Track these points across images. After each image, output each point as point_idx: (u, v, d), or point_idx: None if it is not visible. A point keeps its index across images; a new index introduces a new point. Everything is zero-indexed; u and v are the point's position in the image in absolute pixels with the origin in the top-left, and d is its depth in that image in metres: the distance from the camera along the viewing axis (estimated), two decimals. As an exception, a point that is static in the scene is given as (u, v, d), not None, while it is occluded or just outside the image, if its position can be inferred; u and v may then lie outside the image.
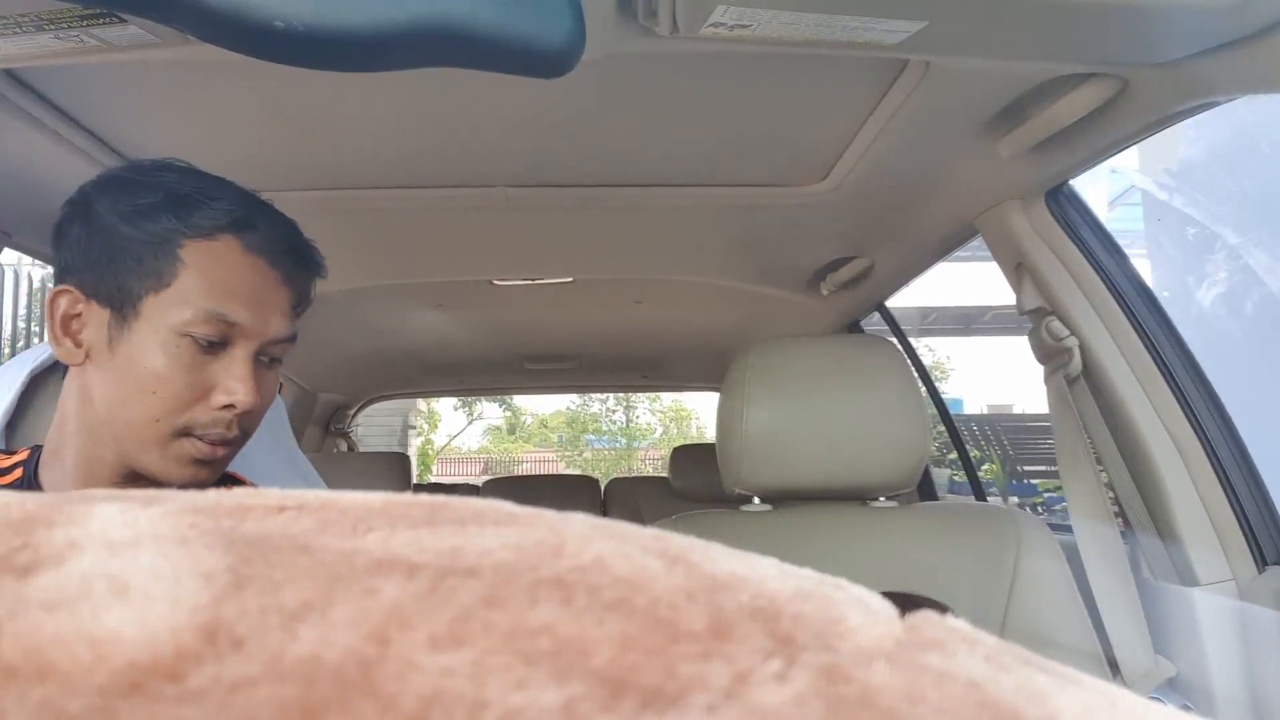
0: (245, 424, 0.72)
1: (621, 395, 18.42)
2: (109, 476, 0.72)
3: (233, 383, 0.69)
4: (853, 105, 1.08)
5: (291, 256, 0.75)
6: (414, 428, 12.39)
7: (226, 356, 0.70)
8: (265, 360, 0.73)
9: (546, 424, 19.72)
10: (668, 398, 18.38)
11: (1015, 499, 7.18)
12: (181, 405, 0.68)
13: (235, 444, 0.72)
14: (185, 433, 0.69)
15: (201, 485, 0.70)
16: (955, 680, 0.13)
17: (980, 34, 0.82)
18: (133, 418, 0.69)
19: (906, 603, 0.17)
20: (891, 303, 1.99)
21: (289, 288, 0.74)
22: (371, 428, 8.12)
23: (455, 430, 17.96)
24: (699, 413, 17.92)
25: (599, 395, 18.44)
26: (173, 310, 0.68)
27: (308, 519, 0.16)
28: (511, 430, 19.32)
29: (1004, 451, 8.19)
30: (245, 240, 0.71)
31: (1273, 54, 0.78)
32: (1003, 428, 8.42)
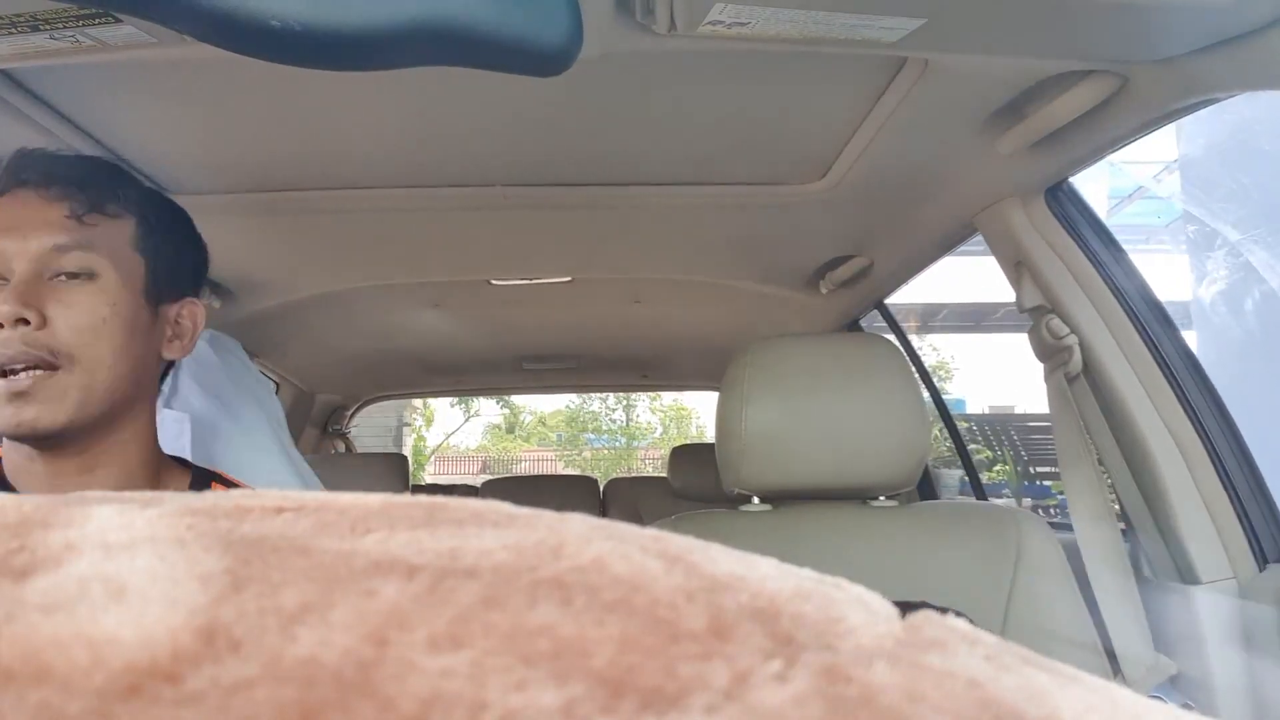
0: (46, 342, 0.70)
1: (621, 395, 18.43)
2: (17, 453, 0.73)
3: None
4: (851, 103, 1.08)
5: (40, 169, 0.74)
6: (408, 425, 12.37)
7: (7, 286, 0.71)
8: (63, 278, 0.72)
9: (545, 422, 19.72)
10: (668, 397, 18.39)
11: (1029, 501, 7.15)
12: None
13: (53, 368, 0.70)
14: None
15: (39, 426, 0.70)
16: (955, 679, 0.13)
17: (979, 31, 0.82)
18: None
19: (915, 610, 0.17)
20: (900, 298, 1.99)
21: (50, 200, 0.73)
22: (367, 427, 8.10)
23: (452, 428, 17.96)
24: (699, 412, 17.92)
25: (599, 395, 18.46)
26: None
27: (306, 520, 0.16)
28: (511, 429, 19.32)
29: (1016, 453, 8.15)
30: (3, 184, 0.74)
31: (1271, 51, 0.78)
32: (1014, 428, 8.38)
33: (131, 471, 0.77)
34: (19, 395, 0.69)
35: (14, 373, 0.69)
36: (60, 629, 0.12)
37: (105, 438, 0.75)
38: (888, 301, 2.00)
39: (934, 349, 12.44)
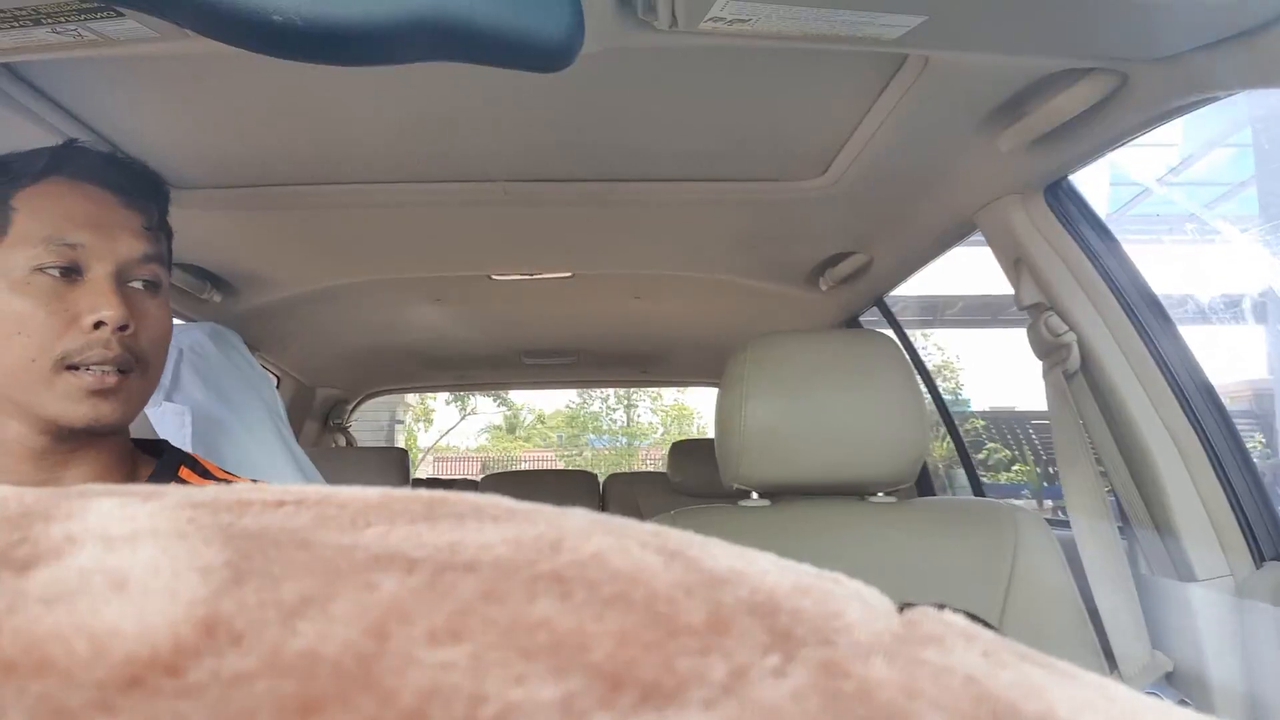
0: (132, 347, 0.72)
1: (622, 394, 18.38)
2: (24, 444, 0.73)
3: (96, 300, 0.71)
4: (852, 100, 1.08)
5: (122, 176, 0.76)
6: (401, 422, 12.33)
7: (86, 282, 0.72)
8: (139, 285, 0.75)
9: (544, 420, 19.65)
10: (669, 397, 18.34)
11: (1050, 503, 7.07)
12: (51, 337, 0.70)
13: (130, 371, 0.72)
14: (67, 366, 0.70)
15: (110, 423, 0.71)
16: (952, 675, 0.13)
17: (980, 29, 0.82)
18: (10, 365, 0.70)
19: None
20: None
21: (131, 208, 0.76)
22: (361, 422, 8.07)
23: (448, 428, 17.86)
24: (701, 412, 17.86)
25: (599, 394, 18.41)
26: (16, 252, 0.70)
27: (306, 514, 0.16)
28: (511, 429, 19.26)
29: (1036, 452, 8.06)
30: (70, 172, 0.74)
31: (1271, 49, 0.78)
32: (1033, 426, 8.26)
33: (108, 465, 0.78)
34: (103, 393, 0.71)
35: (102, 371, 0.70)
36: (61, 621, 0.12)
37: (103, 436, 0.76)
38: (887, 299, 2.00)
39: (939, 348, 12.33)
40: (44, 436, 0.72)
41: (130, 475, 0.81)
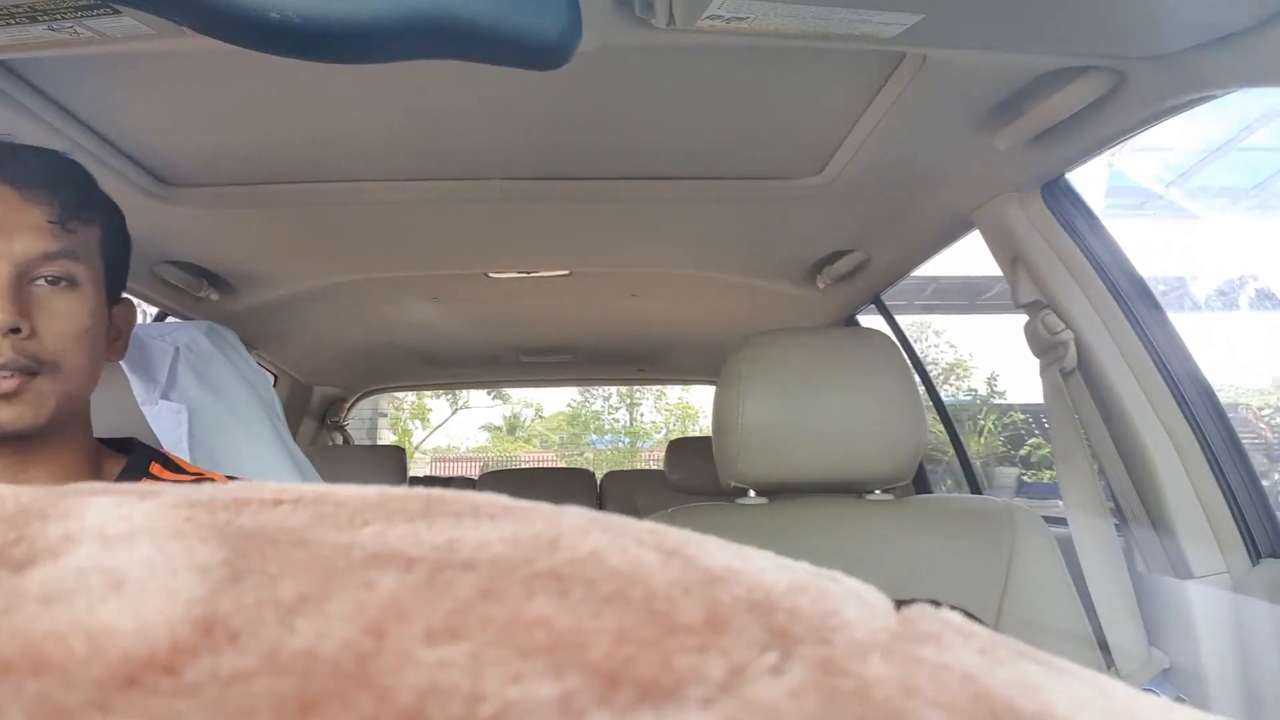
0: (30, 349, 0.69)
1: (625, 393, 18.34)
2: None
3: None
4: (849, 98, 1.08)
5: (23, 168, 0.72)
6: (384, 415, 12.27)
7: None
8: (46, 281, 0.71)
9: (541, 415, 19.60)
10: (673, 395, 18.31)
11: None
12: None
13: (36, 373, 0.70)
14: None
15: (18, 427, 0.69)
16: (950, 672, 0.13)
17: (977, 26, 0.82)
18: None
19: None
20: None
21: (35, 203, 0.72)
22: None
23: (436, 424, 17.74)
24: (705, 411, 17.78)
25: (601, 393, 18.37)
26: None
27: (304, 512, 0.16)
28: (511, 430, 19.21)
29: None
30: None
31: (1269, 47, 0.78)
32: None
33: (69, 464, 0.76)
34: (4, 397, 0.68)
35: None
36: (58, 620, 0.12)
37: (52, 437, 0.74)
38: (885, 297, 2.00)
39: (951, 346, 12.13)
40: None
41: (96, 474, 0.79)
